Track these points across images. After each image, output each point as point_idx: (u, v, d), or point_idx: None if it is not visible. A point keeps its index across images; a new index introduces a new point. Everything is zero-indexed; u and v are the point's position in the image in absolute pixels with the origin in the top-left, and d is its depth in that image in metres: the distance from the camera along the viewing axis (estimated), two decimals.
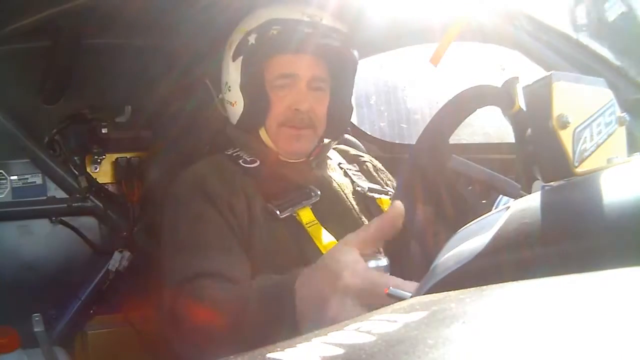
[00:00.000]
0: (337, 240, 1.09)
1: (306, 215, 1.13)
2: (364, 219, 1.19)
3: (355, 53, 1.27)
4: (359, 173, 1.33)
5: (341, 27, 1.23)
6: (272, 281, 0.86)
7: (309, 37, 1.17)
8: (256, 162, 1.21)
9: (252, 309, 0.84)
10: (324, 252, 1.07)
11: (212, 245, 1.04)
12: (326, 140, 1.28)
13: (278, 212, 1.10)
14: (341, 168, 1.32)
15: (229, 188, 1.12)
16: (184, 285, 0.98)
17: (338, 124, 1.27)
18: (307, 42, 1.17)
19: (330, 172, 1.27)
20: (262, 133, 1.22)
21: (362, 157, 1.41)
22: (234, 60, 1.22)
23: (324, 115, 1.23)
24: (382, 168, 1.40)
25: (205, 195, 1.11)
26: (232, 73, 1.23)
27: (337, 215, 1.17)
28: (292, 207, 1.12)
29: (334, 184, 1.23)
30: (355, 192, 1.24)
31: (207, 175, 1.15)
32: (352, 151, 1.44)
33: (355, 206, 1.21)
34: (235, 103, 1.23)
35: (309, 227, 1.12)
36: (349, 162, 1.37)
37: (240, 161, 1.21)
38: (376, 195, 1.25)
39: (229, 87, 1.24)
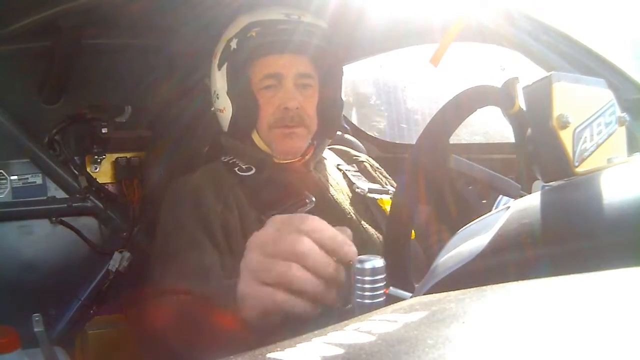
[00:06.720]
0: None
1: None
2: (363, 222, 1.17)
3: (338, 49, 1.26)
4: (359, 174, 1.32)
5: (322, 24, 1.24)
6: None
7: (289, 35, 1.17)
8: (252, 169, 1.20)
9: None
10: None
11: (192, 266, 1.00)
12: (322, 140, 1.27)
13: None
14: (339, 170, 1.31)
15: (222, 202, 1.11)
16: (155, 296, 0.98)
17: (329, 120, 1.27)
18: (288, 41, 1.17)
19: (328, 175, 1.26)
20: (255, 137, 1.22)
21: (359, 157, 1.40)
22: (219, 68, 1.23)
23: (314, 113, 1.23)
24: (379, 166, 1.39)
25: (198, 210, 1.10)
26: (219, 81, 1.24)
27: (334, 221, 1.16)
28: None
29: (331, 188, 1.22)
30: (354, 195, 1.23)
31: (202, 188, 1.14)
32: (350, 151, 1.43)
33: (353, 210, 1.19)
34: (224, 109, 1.23)
35: None
36: (348, 163, 1.36)
37: (236, 169, 1.20)
38: (376, 196, 1.24)
39: (217, 95, 1.25)
